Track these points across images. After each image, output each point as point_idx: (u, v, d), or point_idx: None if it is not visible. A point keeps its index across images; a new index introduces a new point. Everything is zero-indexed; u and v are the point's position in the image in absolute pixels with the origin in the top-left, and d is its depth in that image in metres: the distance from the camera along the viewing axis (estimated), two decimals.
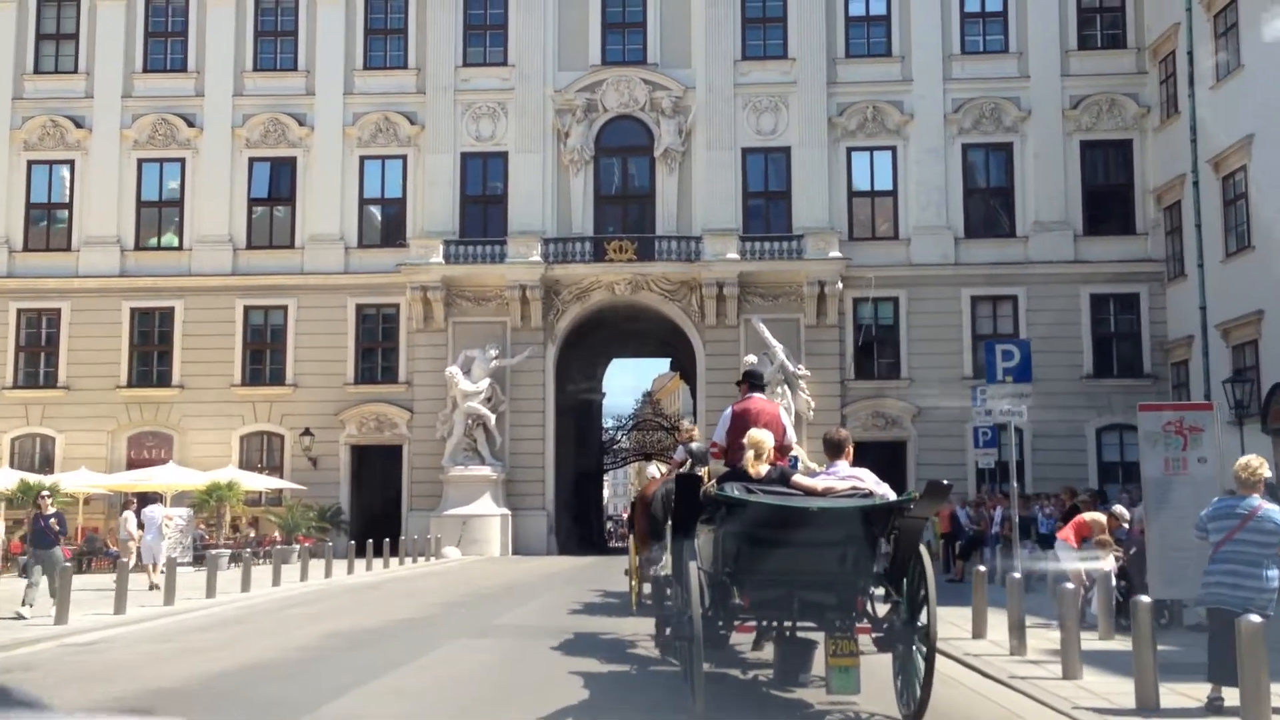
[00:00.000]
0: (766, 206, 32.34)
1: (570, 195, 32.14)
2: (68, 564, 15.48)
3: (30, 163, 32.74)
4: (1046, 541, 17.27)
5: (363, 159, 32.80)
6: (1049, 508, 19.15)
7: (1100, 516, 13.55)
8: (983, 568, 13.07)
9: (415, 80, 32.86)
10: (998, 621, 11.77)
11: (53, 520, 15.68)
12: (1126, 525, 13.41)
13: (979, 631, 11.88)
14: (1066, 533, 13.39)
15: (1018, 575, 11.49)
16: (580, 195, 32.18)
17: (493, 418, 30.14)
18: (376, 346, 32.11)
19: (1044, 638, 11.27)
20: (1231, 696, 7.10)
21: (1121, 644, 11.16)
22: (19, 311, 31.86)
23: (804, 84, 32.06)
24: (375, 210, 33.16)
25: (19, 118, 32.77)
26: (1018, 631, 10.61)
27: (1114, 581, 12.23)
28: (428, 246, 31.11)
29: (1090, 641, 9.98)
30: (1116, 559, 12.66)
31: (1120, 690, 8.27)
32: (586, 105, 32.31)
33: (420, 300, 31.05)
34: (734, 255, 30.59)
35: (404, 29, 33.23)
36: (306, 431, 30.71)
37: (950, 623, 12.87)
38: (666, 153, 32.07)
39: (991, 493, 23.26)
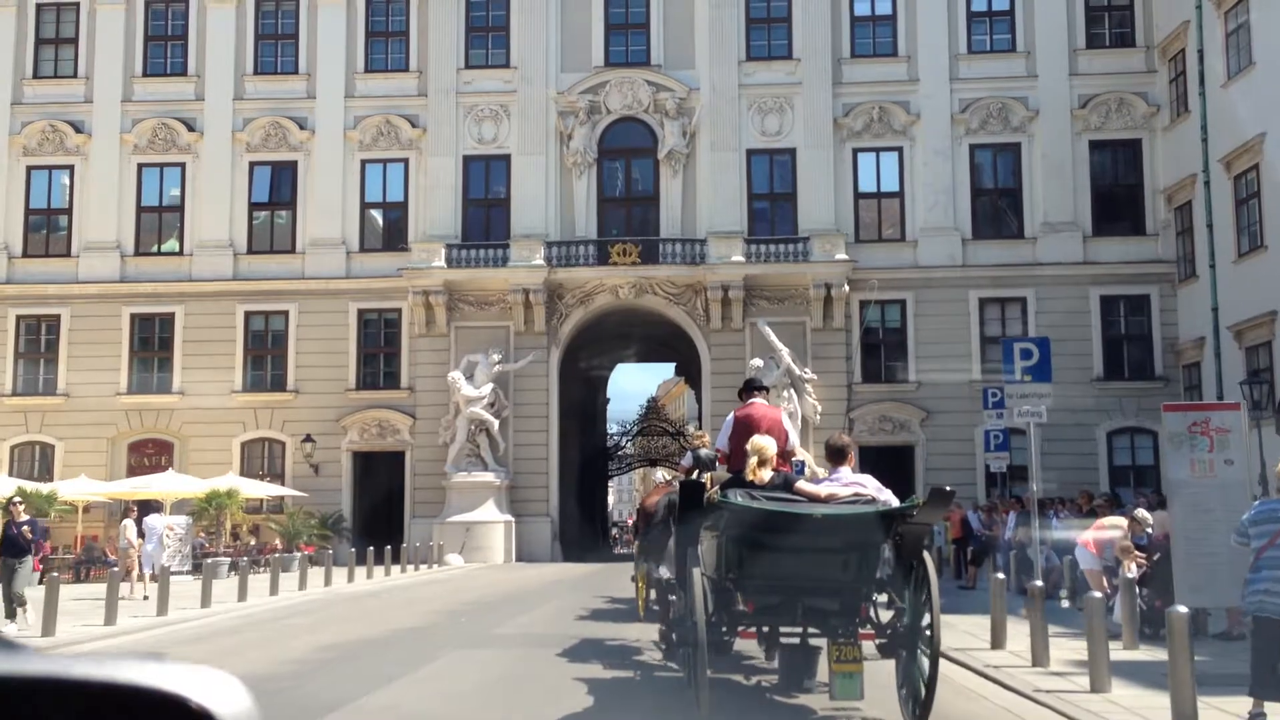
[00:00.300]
0: (771, 209, 32.00)
1: (573, 198, 31.81)
2: (55, 576, 15.09)
3: (30, 168, 32.44)
4: (1061, 547, 16.89)
5: (364, 162, 32.48)
6: (1064, 512, 18.77)
7: (1121, 521, 13.16)
8: (1001, 575, 12.68)
9: (417, 83, 32.56)
10: (1016, 631, 11.41)
11: (25, 528, 15.14)
12: (1149, 530, 13.02)
13: (998, 641, 11.50)
14: (1086, 539, 13.00)
15: (1039, 583, 11.13)
16: (583, 198, 31.85)
17: (496, 423, 29.78)
18: (378, 352, 31.77)
19: (1066, 648, 10.89)
20: (1275, 712, 6.73)
21: (1147, 654, 10.81)
22: (18, 318, 31.54)
23: (809, 84, 31.73)
24: (377, 214, 32.84)
25: (18, 123, 32.49)
26: (1040, 641, 10.24)
27: (1137, 589, 11.84)
28: (430, 250, 30.78)
29: (1114, 651, 9.58)
30: (1139, 565, 12.27)
31: (1154, 704, 7.89)
32: (589, 107, 31.98)
33: (422, 305, 30.72)
34: (739, 258, 30.24)
35: (405, 31, 32.93)
36: (308, 438, 30.33)
37: (967, 632, 12.53)
38: (670, 155, 31.74)
39: (1003, 497, 22.85)
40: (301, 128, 32.44)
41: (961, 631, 12.65)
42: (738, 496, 7.29)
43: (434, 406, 30.34)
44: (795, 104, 31.87)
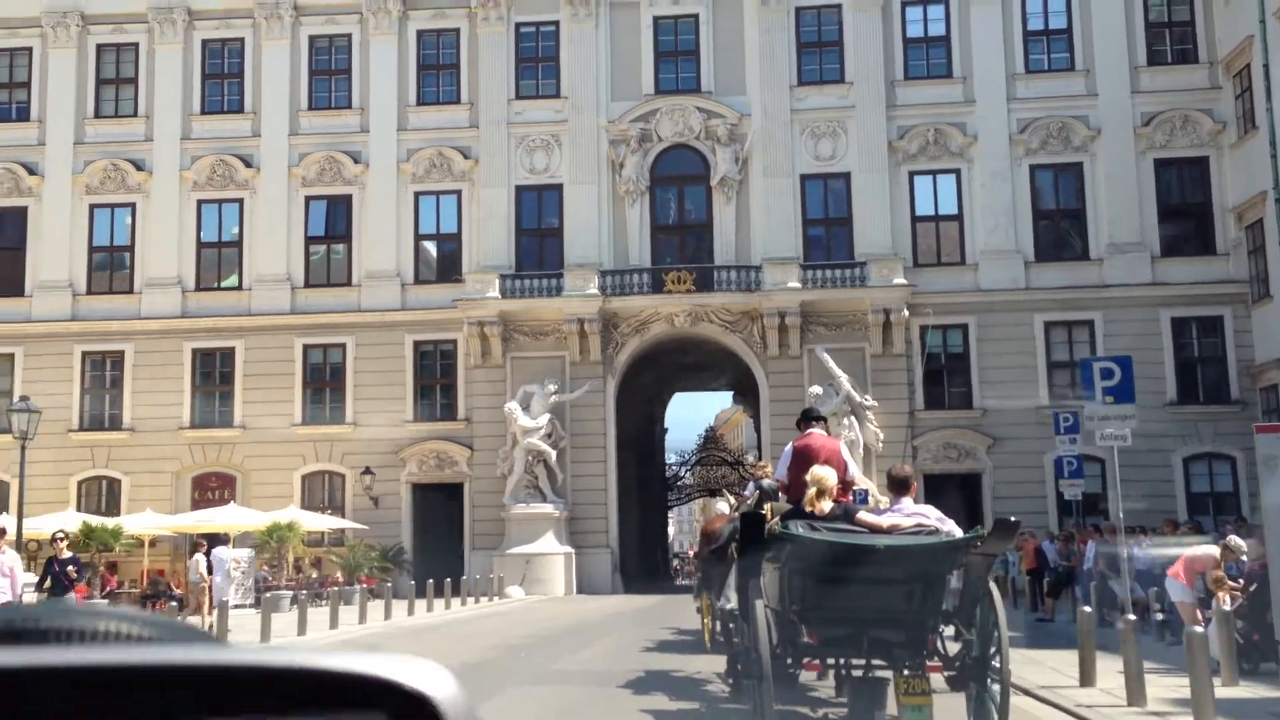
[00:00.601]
0: (827, 234, 31.71)
1: (626, 226, 31.73)
2: None
3: (92, 206, 32.94)
4: (1144, 577, 16.31)
5: (417, 195, 32.64)
6: (1145, 541, 18.15)
7: (1213, 550, 12.62)
8: (1088, 608, 12.18)
9: (468, 115, 32.73)
10: (1104, 666, 10.92)
11: (70, 568, 14.92)
12: (1243, 559, 12.46)
13: (1087, 678, 11.00)
14: (1177, 569, 12.48)
15: (1131, 616, 10.66)
16: (636, 226, 31.76)
17: (553, 454, 29.59)
18: (435, 383, 31.76)
19: (1160, 685, 10.40)
20: None
21: (1249, 690, 10.32)
22: (84, 354, 31.90)
23: (862, 108, 31.47)
24: (431, 246, 32.97)
25: (81, 162, 33.05)
26: (1134, 678, 9.75)
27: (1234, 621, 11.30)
28: (484, 281, 30.80)
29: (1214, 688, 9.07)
30: (1234, 597, 11.73)
31: None
32: (640, 135, 31.94)
33: (478, 336, 30.69)
34: (795, 284, 29.93)
35: (456, 64, 33.16)
36: (367, 470, 30.37)
37: (1053, 668, 12.05)
38: (723, 181, 31.58)
39: (1080, 526, 22.18)
40: (355, 161, 32.70)
41: (1048, 668, 12.17)
42: (798, 528, 7.27)
43: (491, 438, 30.25)
44: (849, 128, 31.61)
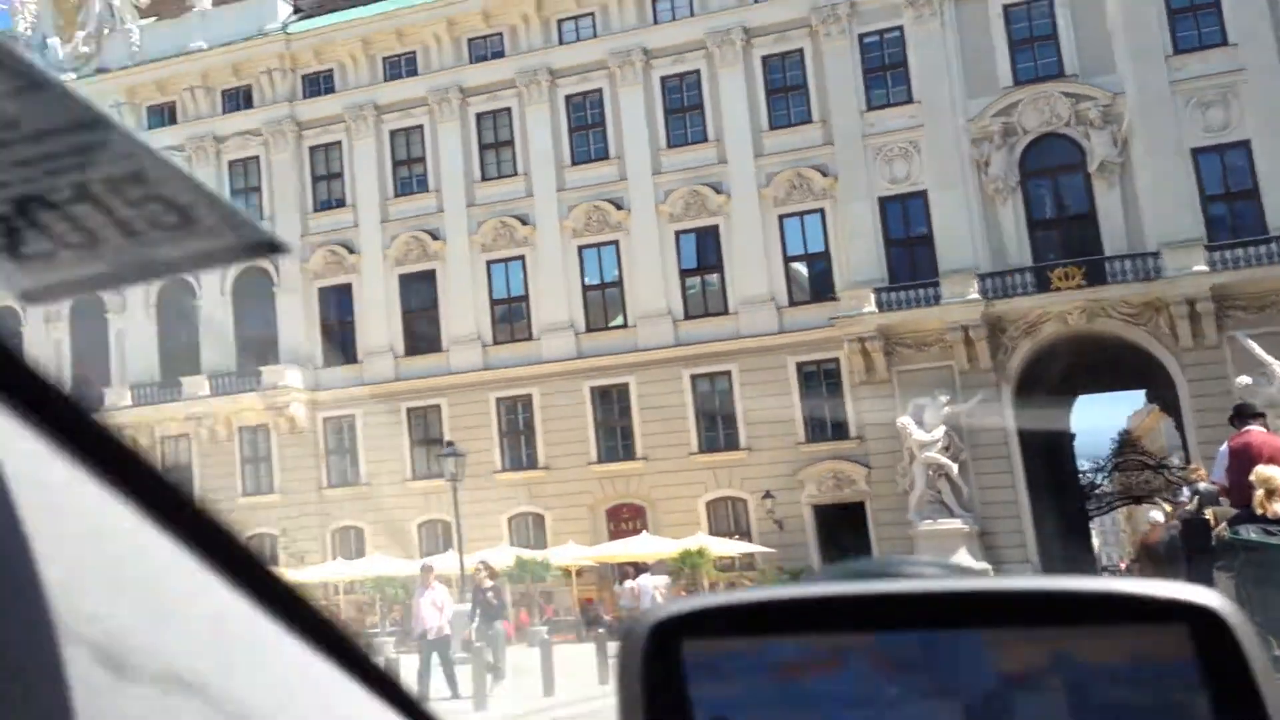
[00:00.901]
0: (1231, 210, 29.39)
1: (1000, 226, 30.83)
2: (548, 639, 15.71)
3: (489, 263, 35.86)
4: None
5: (781, 217, 33.20)
6: None
7: None
8: None
9: (821, 132, 32.95)
10: None
11: (490, 594, 15.59)
12: None
13: None
14: None
15: None
16: (1011, 224, 30.79)
17: (955, 467, 29.08)
18: (822, 403, 32.10)
19: None
20: None
21: None
22: (497, 400, 34.74)
23: (1255, 69, 28.96)
24: (801, 267, 33.43)
25: (474, 223, 36.06)
26: None
27: None
28: (858, 297, 30.86)
29: None
30: None
31: None
32: (1004, 130, 30.93)
33: (859, 352, 30.77)
34: (1202, 267, 27.93)
35: (803, 84, 33.51)
36: (767, 494, 31.17)
37: None
38: (1102, 166, 30.01)
39: None
40: (717, 192, 33.71)
41: None
42: (1251, 533, 6.88)
43: (886, 454, 30.20)
44: (1240, 92, 29.29)
